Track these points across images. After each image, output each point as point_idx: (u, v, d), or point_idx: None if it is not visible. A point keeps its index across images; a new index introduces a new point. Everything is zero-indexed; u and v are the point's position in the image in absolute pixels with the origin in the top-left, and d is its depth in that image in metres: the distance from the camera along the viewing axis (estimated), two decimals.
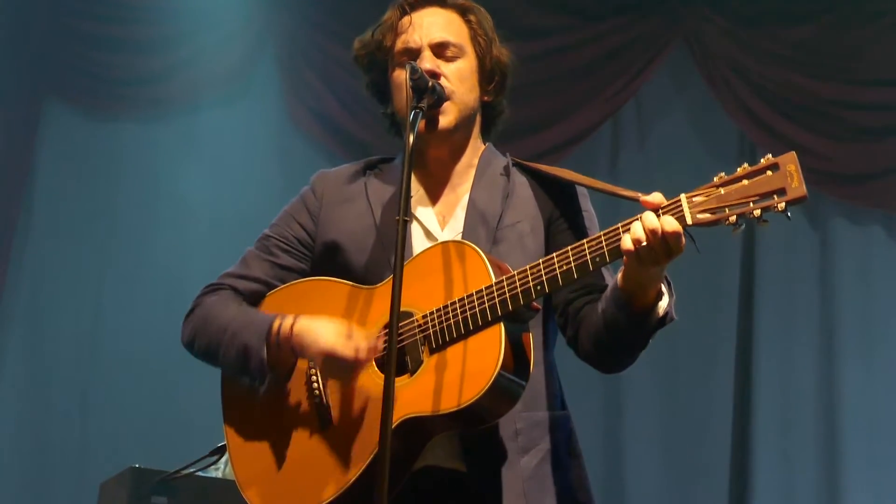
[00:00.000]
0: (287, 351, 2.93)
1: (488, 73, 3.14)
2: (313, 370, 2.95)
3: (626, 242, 2.63)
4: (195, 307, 3.13)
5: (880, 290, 6.67)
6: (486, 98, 3.16)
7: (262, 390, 3.00)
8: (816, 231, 6.75)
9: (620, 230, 2.67)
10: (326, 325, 2.89)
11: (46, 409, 6.92)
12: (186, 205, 7.04)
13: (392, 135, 3.20)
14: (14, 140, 7.21)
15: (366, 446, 2.83)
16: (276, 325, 2.94)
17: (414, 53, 3.07)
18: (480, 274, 2.80)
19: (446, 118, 3.03)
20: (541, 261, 2.76)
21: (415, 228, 3.05)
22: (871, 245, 6.76)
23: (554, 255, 2.75)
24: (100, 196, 7.18)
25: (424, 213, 3.10)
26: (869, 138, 6.78)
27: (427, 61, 3.04)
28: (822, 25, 6.90)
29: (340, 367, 2.85)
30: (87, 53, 7.33)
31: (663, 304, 2.77)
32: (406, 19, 3.11)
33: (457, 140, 3.12)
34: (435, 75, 3.01)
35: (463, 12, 3.15)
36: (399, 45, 3.10)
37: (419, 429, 2.76)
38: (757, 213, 2.56)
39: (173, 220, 7.00)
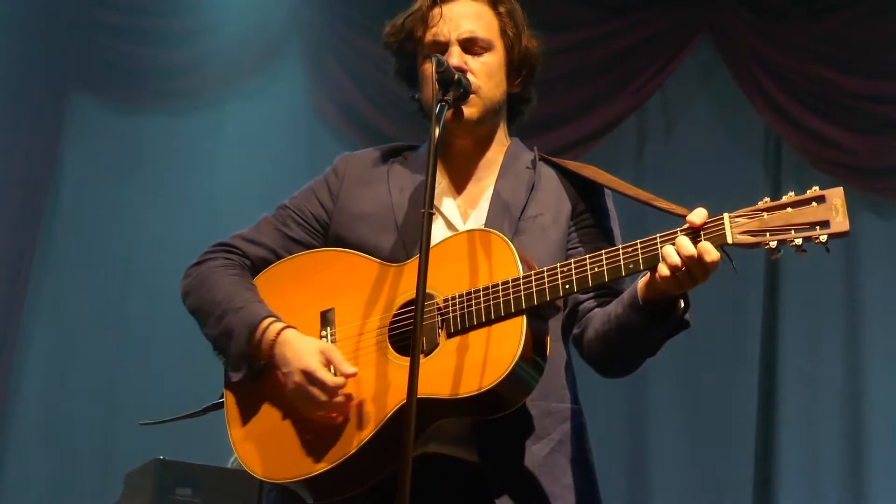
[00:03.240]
0: (266, 354, 2.93)
1: (517, 66, 3.15)
2: (324, 337, 2.97)
3: (664, 270, 2.64)
4: (200, 262, 3.15)
5: None
6: (513, 90, 3.17)
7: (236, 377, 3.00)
8: None
9: (658, 241, 2.68)
10: (311, 344, 2.90)
11: (73, 400, 6.96)
12: (212, 197, 7.07)
13: (420, 118, 3.21)
14: (40, 131, 7.25)
15: (369, 421, 2.83)
16: (264, 324, 2.94)
17: (442, 47, 3.08)
18: (508, 265, 2.81)
19: (470, 109, 3.04)
20: (572, 261, 2.76)
21: (436, 219, 3.04)
22: None
23: (586, 256, 2.75)
24: (125, 188, 7.21)
25: (447, 204, 3.11)
26: (894, 132, 6.74)
27: (454, 56, 3.05)
28: (849, 18, 6.85)
29: (314, 391, 2.84)
30: (114, 45, 7.36)
31: (680, 311, 2.78)
32: (437, 11, 3.11)
33: (482, 132, 3.13)
34: (462, 70, 3.02)
35: (494, 4, 3.15)
36: (429, 37, 3.11)
37: (427, 411, 2.72)
38: (798, 241, 2.58)
39: (199, 213, 7.02)
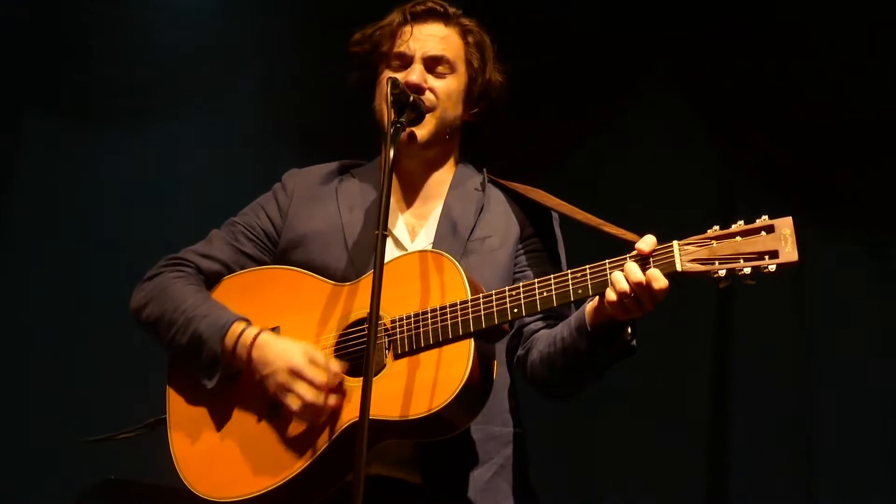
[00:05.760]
0: (242, 357, 2.93)
1: (477, 95, 3.17)
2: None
3: (612, 296, 2.66)
4: (155, 275, 3.14)
5: (856, 312, 6.68)
6: (468, 118, 3.19)
7: (210, 383, 2.99)
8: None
9: (608, 267, 2.70)
10: (293, 344, 2.90)
11: (23, 418, 6.89)
12: (166, 216, 7.04)
13: (373, 129, 3.24)
14: None
15: (315, 442, 2.85)
16: (237, 327, 2.94)
17: (407, 61, 3.12)
18: (457, 287, 2.82)
19: (422, 130, 3.07)
20: (521, 285, 2.78)
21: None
22: (847, 267, 6.76)
23: (535, 281, 2.76)
24: (80, 207, 7.17)
25: (396, 222, 3.12)
26: (848, 160, 6.78)
27: (415, 74, 3.08)
28: (804, 44, 6.90)
29: (302, 388, 2.84)
30: (71, 63, 7.32)
31: (627, 337, 2.80)
32: (407, 28, 3.14)
33: (432, 154, 3.16)
34: (419, 90, 3.04)
35: (464, 32, 3.19)
36: (395, 49, 3.14)
37: (374, 432, 2.72)
38: (747, 271, 2.58)
39: (152, 232, 6.98)
